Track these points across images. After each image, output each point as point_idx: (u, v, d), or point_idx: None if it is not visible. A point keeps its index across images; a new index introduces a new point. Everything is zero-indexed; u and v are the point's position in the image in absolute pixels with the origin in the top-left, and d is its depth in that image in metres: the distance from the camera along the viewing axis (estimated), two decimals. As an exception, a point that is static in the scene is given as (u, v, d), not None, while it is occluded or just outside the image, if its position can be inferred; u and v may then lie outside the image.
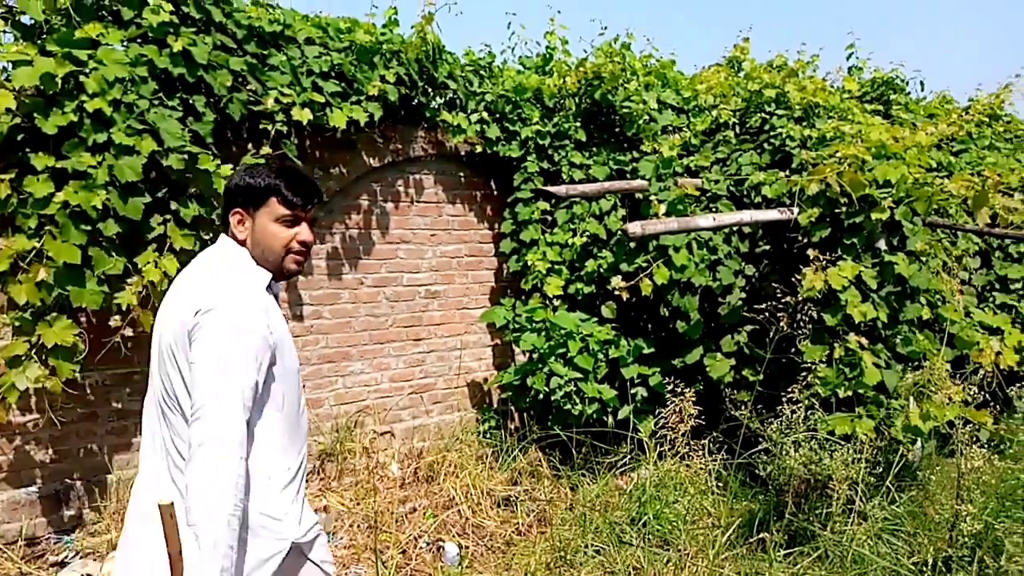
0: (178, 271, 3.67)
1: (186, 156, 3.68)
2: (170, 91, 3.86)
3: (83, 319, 3.91)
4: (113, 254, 3.62)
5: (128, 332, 3.70)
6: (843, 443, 3.73)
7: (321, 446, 4.77)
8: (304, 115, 4.15)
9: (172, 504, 1.58)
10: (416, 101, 4.92)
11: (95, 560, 3.72)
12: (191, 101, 3.89)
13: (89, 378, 4.05)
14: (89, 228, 3.50)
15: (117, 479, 4.13)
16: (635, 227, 3.77)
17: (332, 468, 4.82)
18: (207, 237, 3.95)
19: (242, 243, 1.95)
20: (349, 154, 4.81)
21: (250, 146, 4.18)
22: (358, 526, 4.22)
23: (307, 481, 4.72)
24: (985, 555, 3.03)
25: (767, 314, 4.14)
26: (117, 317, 3.68)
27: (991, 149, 5.92)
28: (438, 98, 5.10)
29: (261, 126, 4.13)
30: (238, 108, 4.06)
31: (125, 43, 3.77)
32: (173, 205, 3.75)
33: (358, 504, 4.43)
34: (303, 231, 1.98)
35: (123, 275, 3.65)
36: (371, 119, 4.50)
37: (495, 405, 5.53)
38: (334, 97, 4.38)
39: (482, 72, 5.33)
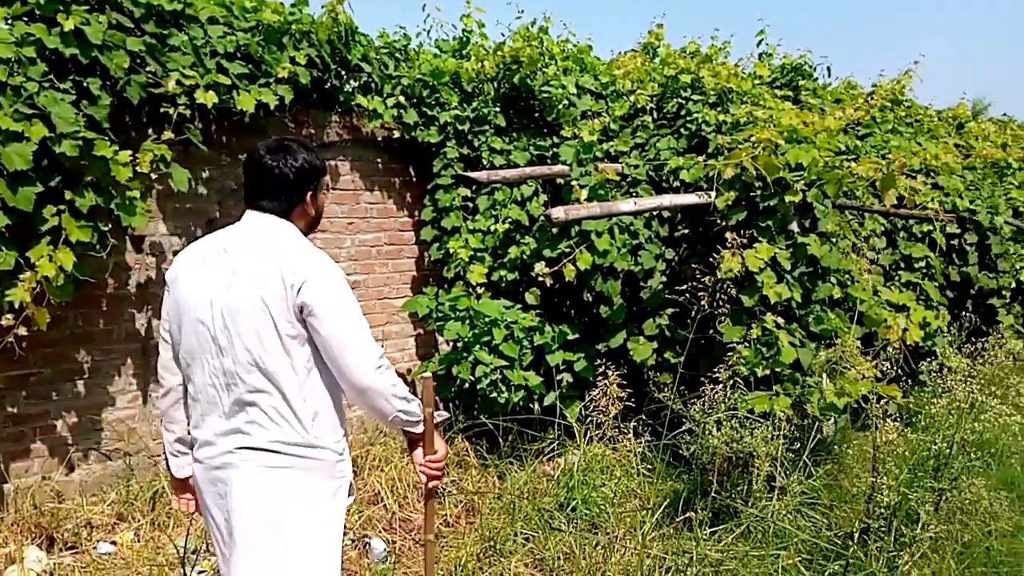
0: (74, 265, 3.48)
1: (81, 142, 3.44)
2: (62, 73, 3.59)
3: (-30, 319, 3.63)
4: (2, 248, 3.36)
5: (22, 331, 3.43)
6: (762, 421, 3.81)
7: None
8: (209, 98, 3.95)
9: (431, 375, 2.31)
10: (329, 84, 4.76)
11: (-9, 577, 3.47)
12: (85, 84, 3.63)
13: (-21, 382, 3.77)
14: (-27, 221, 3.24)
15: (15, 488, 3.86)
16: (558, 212, 3.74)
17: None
18: (105, 228, 3.72)
19: (306, 217, 2.18)
20: (259, 139, 4.52)
21: (151, 131, 3.94)
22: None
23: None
24: (901, 524, 3.14)
25: (688, 296, 4.19)
26: (9, 316, 3.42)
27: (894, 133, 6.16)
28: (352, 82, 4.95)
29: (162, 110, 3.90)
30: (136, 91, 3.82)
31: (10, 21, 3.49)
32: (68, 195, 3.50)
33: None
34: None
35: (14, 271, 3.39)
36: (281, 103, 4.32)
37: (420, 396, 5.44)
38: (241, 79, 4.18)
39: (398, 55, 5.19)
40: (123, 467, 4.20)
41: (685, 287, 4.26)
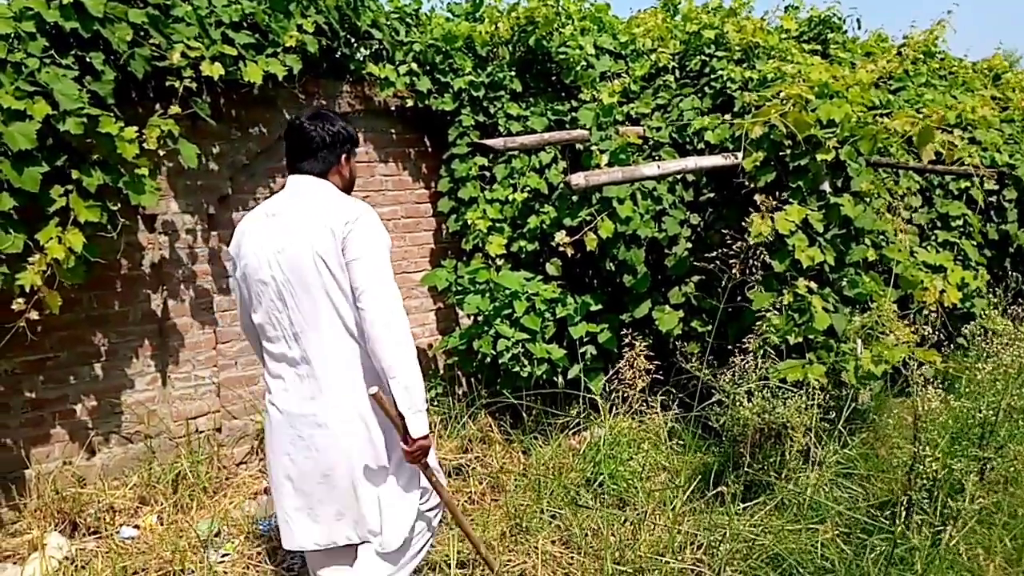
0: (84, 246, 3.40)
1: (85, 119, 3.34)
2: (63, 48, 3.48)
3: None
4: (11, 231, 3.28)
5: (34, 315, 3.36)
6: (795, 390, 3.66)
7: (257, 426, 4.53)
8: (215, 70, 3.82)
9: (378, 390, 2.23)
10: (339, 53, 4.61)
11: (15, 563, 3.45)
12: (88, 59, 3.52)
13: (-4, 367, 3.73)
14: (-21, 203, 3.16)
15: (36, 474, 3.83)
16: (578, 179, 3.58)
17: (272, 446, 4.58)
18: (115, 207, 3.63)
19: (341, 179, 2.44)
20: (269, 112, 4.49)
21: (157, 106, 3.82)
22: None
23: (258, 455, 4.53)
24: (945, 496, 3.00)
25: (716, 263, 4.03)
26: (20, 300, 3.35)
27: (928, 86, 5.88)
28: (363, 49, 4.79)
29: (168, 83, 3.78)
30: (141, 65, 3.71)
31: (6, -5, 3.38)
32: (75, 174, 3.41)
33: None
34: None
35: (23, 254, 3.32)
36: (290, 73, 4.18)
37: (441, 371, 5.35)
38: (247, 50, 4.04)
39: (409, 20, 5.02)
40: (144, 450, 4.16)
41: (713, 254, 4.10)
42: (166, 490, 4.04)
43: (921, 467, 2.96)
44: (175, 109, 3.74)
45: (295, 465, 2.39)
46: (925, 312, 4.46)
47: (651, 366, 3.95)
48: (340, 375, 2.30)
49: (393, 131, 5.16)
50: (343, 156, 2.42)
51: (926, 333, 3.80)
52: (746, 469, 3.54)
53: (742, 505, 3.41)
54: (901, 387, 4.22)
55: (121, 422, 4.13)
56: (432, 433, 2.56)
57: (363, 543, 2.44)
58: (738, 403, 3.58)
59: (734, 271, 3.77)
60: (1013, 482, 3.50)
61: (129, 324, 4.13)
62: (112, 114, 3.48)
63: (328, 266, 2.21)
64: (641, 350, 3.92)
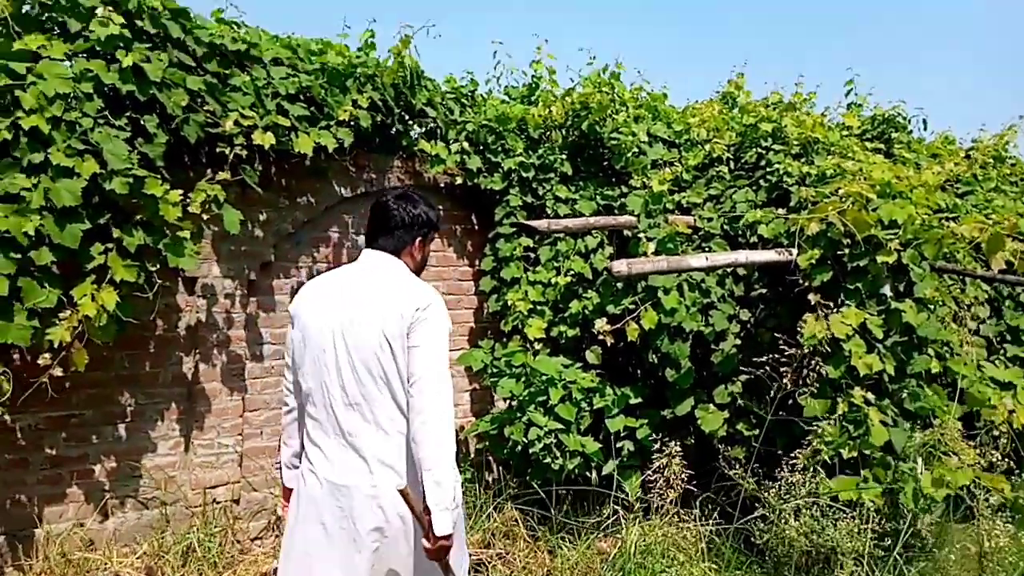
0: (117, 305, 3.38)
1: (131, 180, 3.36)
2: (118, 110, 3.55)
3: (15, 356, 3.56)
4: (46, 285, 3.28)
5: (58, 372, 3.32)
6: (847, 510, 3.36)
7: (277, 500, 4.37)
8: (267, 139, 3.85)
9: (406, 486, 2.17)
10: (393, 129, 4.63)
11: (9, 630, 3.31)
12: (142, 121, 3.58)
13: (20, 421, 3.68)
14: (19, 256, 3.16)
15: (45, 534, 3.73)
16: (621, 266, 3.45)
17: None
18: (153, 268, 3.62)
19: (412, 260, 2.47)
20: (319, 183, 4.50)
21: (209, 171, 3.85)
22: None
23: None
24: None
25: (766, 368, 3.80)
26: (47, 355, 3.32)
27: (997, 191, 5.65)
28: (416, 127, 4.82)
29: (218, 150, 3.81)
30: (194, 130, 3.76)
31: (70, 57, 3.47)
32: (116, 233, 3.42)
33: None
34: None
35: (56, 308, 3.30)
36: (341, 146, 4.20)
37: (472, 455, 5.15)
38: (300, 121, 4.08)
39: (464, 100, 5.06)
40: (159, 517, 4.04)
41: (764, 359, 3.86)
42: (175, 561, 3.88)
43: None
44: (224, 175, 3.76)
45: (327, 536, 2.34)
46: (993, 433, 4.12)
47: (684, 475, 3.68)
48: (384, 453, 2.30)
49: (441, 207, 5.13)
50: (418, 239, 2.46)
51: (994, 458, 3.48)
52: (790, 595, 3.24)
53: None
54: (964, 514, 3.86)
55: (139, 486, 4.03)
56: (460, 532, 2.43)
57: None
58: (784, 520, 3.29)
59: (785, 380, 3.53)
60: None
61: (158, 386, 4.07)
62: (159, 176, 3.51)
63: (392, 348, 2.24)
64: (676, 453, 3.66)
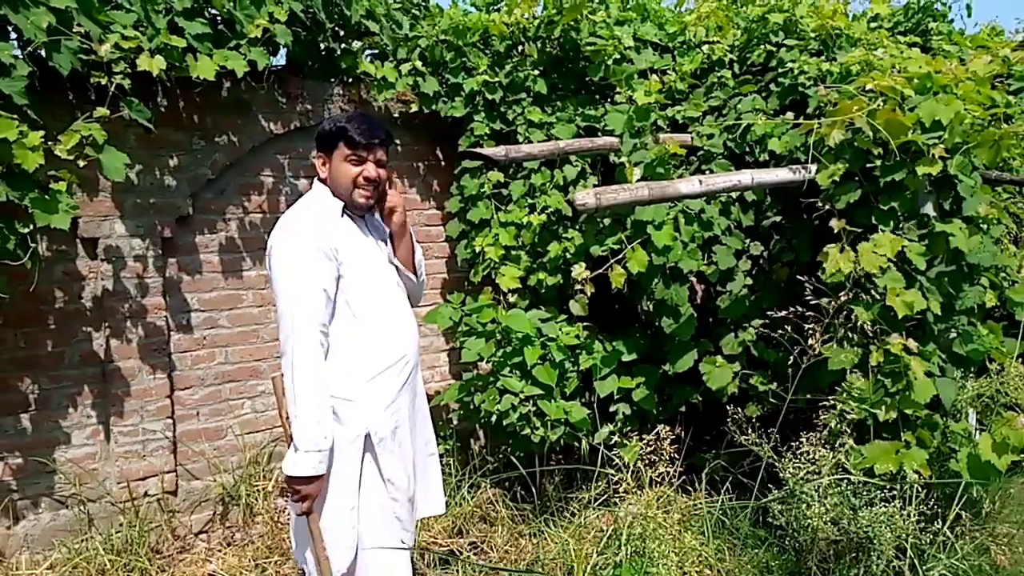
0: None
1: (-26, 122, 2.69)
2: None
3: None
4: None
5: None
6: (885, 485, 2.69)
7: (221, 488, 3.81)
8: (154, 64, 3.14)
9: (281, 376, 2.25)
10: (325, 49, 3.89)
11: None
12: (-8, 51, 2.89)
13: None
14: None
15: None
16: (587, 197, 2.71)
17: (236, 515, 3.86)
18: (25, 230, 2.97)
19: (324, 182, 2.39)
20: (240, 118, 3.80)
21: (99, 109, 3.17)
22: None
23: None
24: None
25: (788, 311, 3.08)
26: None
27: (1057, 87, 4.77)
28: (357, 44, 4.07)
29: (93, 80, 3.11)
30: (67, 58, 3.05)
31: None
32: (-39, 189, 2.77)
33: (258, 566, 3.47)
34: (368, 168, 2.33)
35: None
36: (254, 70, 3.48)
37: (454, 423, 4.52)
38: (201, 41, 3.35)
39: (415, 12, 4.28)
40: (79, 516, 3.49)
41: (787, 313, 3.12)
42: (102, 564, 3.35)
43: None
44: (101, 111, 3.07)
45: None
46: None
47: (676, 456, 3.01)
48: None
49: (399, 142, 4.40)
50: (321, 158, 2.41)
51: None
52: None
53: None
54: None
55: (52, 483, 3.47)
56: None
57: None
58: (805, 503, 2.63)
59: (808, 327, 2.82)
60: None
61: (64, 367, 3.48)
62: (14, 117, 2.83)
63: None
64: (667, 434, 2.98)
